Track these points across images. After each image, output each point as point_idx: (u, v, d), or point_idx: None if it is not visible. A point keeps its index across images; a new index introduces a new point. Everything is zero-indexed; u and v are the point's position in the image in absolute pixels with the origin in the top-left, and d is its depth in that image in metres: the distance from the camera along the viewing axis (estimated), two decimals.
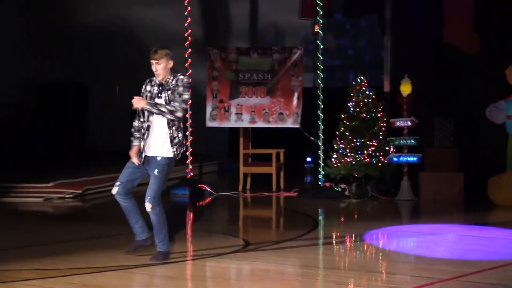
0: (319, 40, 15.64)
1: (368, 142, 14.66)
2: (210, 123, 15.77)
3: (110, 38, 23.01)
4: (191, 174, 15.93)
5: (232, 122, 15.73)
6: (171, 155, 8.02)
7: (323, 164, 15.17)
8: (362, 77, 15.13)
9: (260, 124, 15.61)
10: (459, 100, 15.32)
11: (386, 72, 16.38)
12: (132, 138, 8.22)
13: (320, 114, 15.29)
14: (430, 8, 15.35)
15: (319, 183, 15.27)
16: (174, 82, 8.00)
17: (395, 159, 14.44)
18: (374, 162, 14.57)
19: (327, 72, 16.48)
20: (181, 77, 8.02)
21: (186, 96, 7.97)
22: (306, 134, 15.59)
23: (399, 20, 16.12)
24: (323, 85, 15.47)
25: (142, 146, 8.10)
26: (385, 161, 14.57)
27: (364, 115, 14.85)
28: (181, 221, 12.00)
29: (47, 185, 14.42)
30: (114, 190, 8.21)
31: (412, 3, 15.91)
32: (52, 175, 15.01)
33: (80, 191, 14.55)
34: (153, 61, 7.98)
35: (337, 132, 14.97)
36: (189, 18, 15.70)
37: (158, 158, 8.03)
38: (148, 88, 8.12)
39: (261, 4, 22.26)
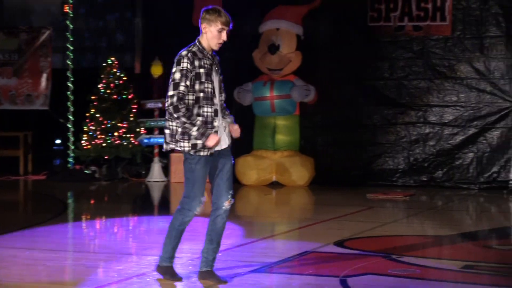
0: (68, 21, 15.32)
1: (118, 124, 14.59)
2: None
3: None
4: None
5: None
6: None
7: (73, 147, 14.92)
8: (113, 59, 15.02)
9: (7, 106, 15.09)
10: None
11: (137, 53, 16.33)
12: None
13: (70, 96, 15.02)
14: None
15: (69, 165, 15.01)
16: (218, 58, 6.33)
17: (145, 140, 14.50)
18: (125, 144, 14.52)
19: (77, 53, 16.16)
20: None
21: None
22: (55, 116, 15.25)
23: (150, 1, 16.10)
24: (73, 67, 15.20)
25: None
26: (136, 143, 14.57)
27: (115, 96, 14.75)
28: None
29: None
30: (199, 209, 6.13)
31: None
32: None
33: None
34: (227, 28, 6.22)
35: (87, 114, 14.76)
36: None
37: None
38: (197, 63, 6.10)
39: None
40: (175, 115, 5.96)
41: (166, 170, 14.59)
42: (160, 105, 14.45)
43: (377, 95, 14.20)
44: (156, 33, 15.92)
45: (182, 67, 6.04)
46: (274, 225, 10.03)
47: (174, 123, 6.05)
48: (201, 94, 6.06)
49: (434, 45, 13.93)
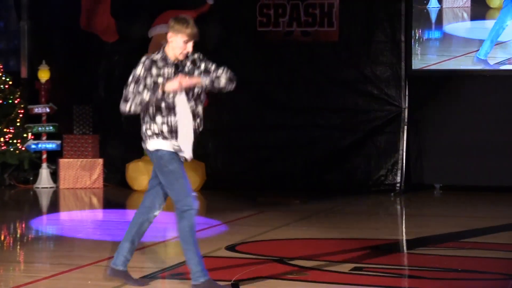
0: None
1: (5, 130, 14.25)
2: None
3: None
4: None
5: None
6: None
7: None
8: None
9: None
10: (99, 87, 15.39)
11: (23, 57, 15.99)
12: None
13: None
14: None
15: None
16: (190, 62, 6.20)
17: (33, 146, 14.22)
18: (12, 149, 14.20)
19: None
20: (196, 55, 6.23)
21: None
22: None
23: (36, 4, 15.79)
24: None
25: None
26: (23, 149, 14.28)
27: (0, 101, 14.40)
28: None
29: None
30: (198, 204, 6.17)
31: None
32: None
33: None
34: (193, 40, 6.09)
35: None
36: None
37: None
38: (155, 72, 6.13)
39: None
40: (126, 112, 6.12)
41: (54, 176, 14.36)
42: (47, 109, 14.21)
43: (267, 99, 14.32)
44: (43, 37, 15.65)
45: (135, 73, 6.14)
46: (165, 231, 9.98)
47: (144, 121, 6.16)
48: (163, 104, 6.03)
49: (322, 50, 14.13)
